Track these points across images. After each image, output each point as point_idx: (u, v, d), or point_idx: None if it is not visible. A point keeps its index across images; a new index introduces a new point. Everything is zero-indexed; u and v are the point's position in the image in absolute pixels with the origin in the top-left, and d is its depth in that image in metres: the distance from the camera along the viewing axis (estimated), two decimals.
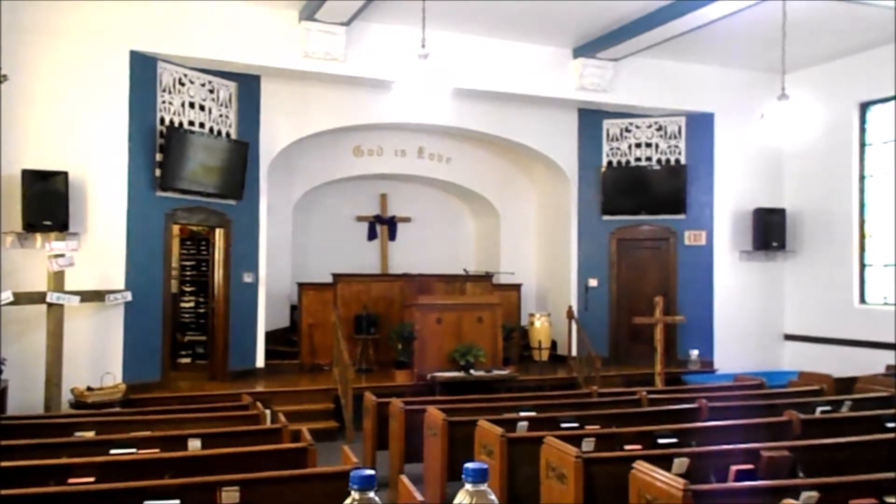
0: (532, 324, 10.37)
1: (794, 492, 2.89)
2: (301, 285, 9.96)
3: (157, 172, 7.95)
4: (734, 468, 3.48)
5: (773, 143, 10.23)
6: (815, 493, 2.89)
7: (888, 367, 7.74)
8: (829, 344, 9.50)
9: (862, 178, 9.50)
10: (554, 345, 10.48)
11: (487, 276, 10.73)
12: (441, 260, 11.41)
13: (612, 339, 10.45)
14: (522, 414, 5.06)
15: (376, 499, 1.12)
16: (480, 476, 1.13)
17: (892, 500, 2.88)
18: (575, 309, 10.10)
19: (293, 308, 10.53)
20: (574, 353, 9.71)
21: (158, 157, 7.97)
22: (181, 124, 8.26)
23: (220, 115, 8.72)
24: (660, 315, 8.31)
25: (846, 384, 6.41)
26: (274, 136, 9.20)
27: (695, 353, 9.96)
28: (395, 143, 11.10)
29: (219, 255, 8.79)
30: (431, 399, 6.37)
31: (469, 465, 1.14)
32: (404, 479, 2.78)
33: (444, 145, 11.38)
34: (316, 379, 8.87)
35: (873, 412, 4.98)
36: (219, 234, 8.78)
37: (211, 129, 8.59)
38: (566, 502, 3.63)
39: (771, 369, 9.43)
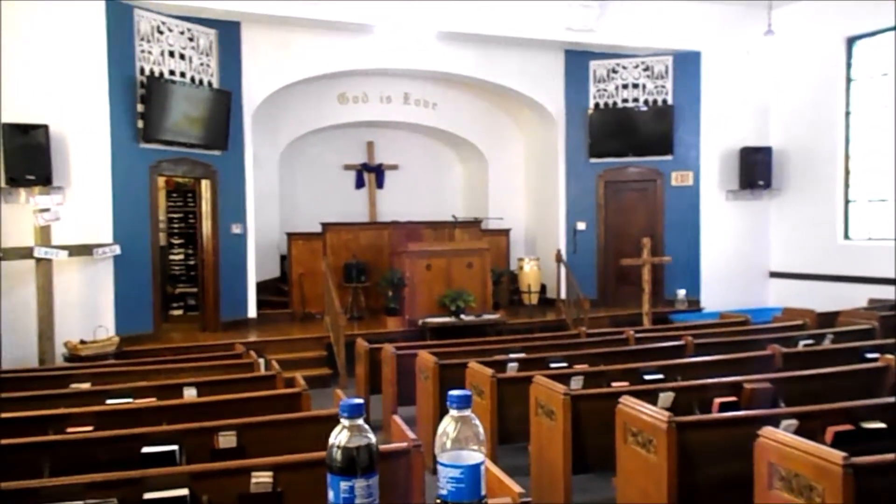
0: (521, 268, 10.45)
1: (775, 421, 2.98)
2: (290, 235, 9.95)
3: (140, 124, 7.83)
4: (717, 400, 3.58)
5: (760, 80, 10.20)
6: (794, 421, 2.99)
7: (870, 301, 7.90)
8: (813, 280, 9.66)
9: (847, 114, 9.49)
10: (543, 288, 10.59)
11: (476, 222, 10.75)
12: (429, 207, 11.41)
13: (601, 281, 10.57)
14: (512, 356, 5.15)
15: (366, 425, 1.15)
16: (465, 402, 1.17)
17: (868, 426, 3.00)
18: (563, 252, 10.18)
19: (283, 258, 10.55)
20: (563, 296, 9.83)
21: (140, 107, 7.84)
22: (161, 74, 8.09)
23: (201, 64, 8.55)
24: (647, 256, 8.39)
25: (829, 318, 6.54)
26: (256, 84, 9.05)
27: (681, 292, 10.11)
28: (379, 90, 10.95)
29: (206, 206, 8.74)
30: (422, 344, 6.46)
31: (453, 392, 1.18)
32: (396, 419, 2.85)
33: (430, 91, 11.23)
34: (308, 327, 8.96)
35: (854, 344, 5.11)
36: (205, 185, 8.71)
37: (192, 79, 8.43)
38: (555, 438, 3.74)
39: (756, 306, 9.60)
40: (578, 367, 4.64)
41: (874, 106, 9.13)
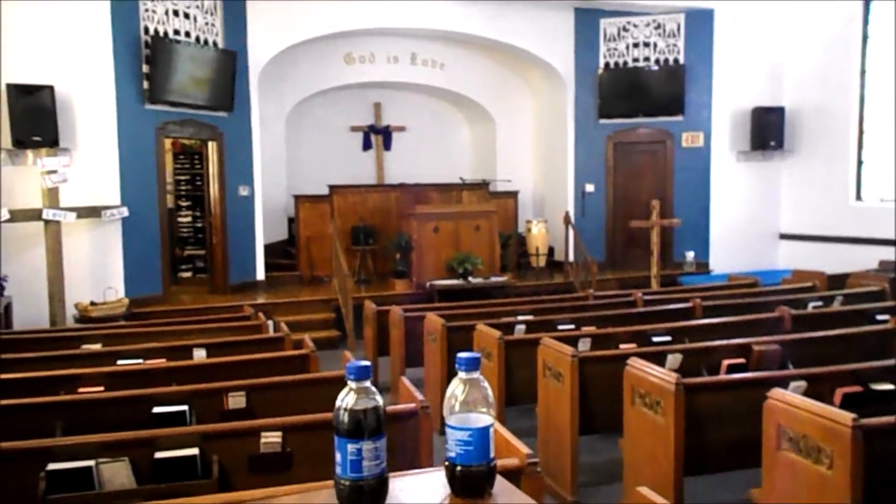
0: (529, 231, 10.40)
1: (784, 383, 2.98)
2: (297, 198, 9.92)
3: (145, 84, 7.75)
4: (726, 362, 3.58)
5: (774, 39, 9.97)
6: (803, 383, 2.99)
7: (881, 263, 7.84)
8: (824, 242, 9.57)
9: (863, 73, 9.30)
10: (551, 251, 10.56)
11: (484, 184, 10.67)
12: (437, 169, 11.32)
13: (609, 243, 10.52)
14: (520, 318, 5.15)
15: (373, 388, 1.14)
16: (473, 364, 1.16)
17: (877, 387, 2.99)
18: (571, 215, 10.11)
19: (290, 221, 10.54)
20: (571, 258, 9.80)
21: (145, 68, 7.74)
22: (166, 33, 7.98)
23: (206, 24, 8.42)
24: (655, 219, 8.32)
25: (839, 280, 6.50)
26: (262, 44, 8.93)
27: (690, 255, 10.05)
28: (386, 50, 10.78)
29: (213, 168, 8.71)
30: (430, 306, 6.47)
31: (462, 354, 1.16)
32: (404, 380, 2.86)
33: (438, 51, 11.05)
34: (316, 290, 8.99)
35: (864, 306, 5.08)
36: (211, 147, 8.66)
37: (197, 39, 8.31)
38: (562, 399, 3.75)
39: (766, 269, 9.55)
40: (586, 330, 4.64)
41: (890, 65, 8.92)
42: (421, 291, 8.25)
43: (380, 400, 1.13)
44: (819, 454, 2.34)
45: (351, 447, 1.09)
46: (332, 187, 9.87)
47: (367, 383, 1.13)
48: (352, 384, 1.13)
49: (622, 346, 4.18)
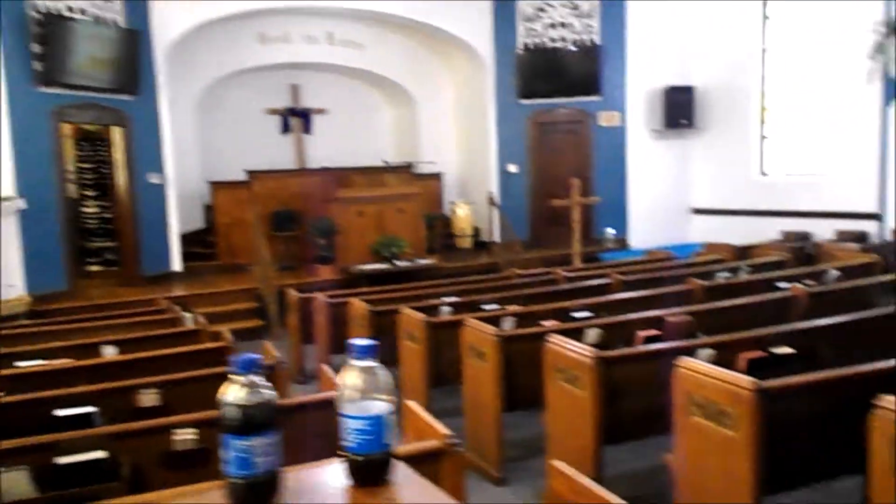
0: (454, 212, 10.44)
1: (693, 352, 3.09)
2: (214, 184, 9.59)
3: (37, 66, 7.26)
4: (641, 334, 3.68)
5: (683, 19, 10.26)
6: (711, 351, 3.11)
7: (782, 234, 8.27)
8: (732, 215, 10.01)
9: (763, 51, 9.71)
10: (476, 231, 10.63)
11: (407, 167, 10.61)
12: (360, 152, 11.16)
13: (532, 222, 10.66)
14: (445, 300, 5.16)
15: (263, 381, 1.09)
16: (367, 352, 1.12)
17: (779, 351, 3.15)
18: (495, 195, 10.19)
19: (207, 208, 10.19)
20: (496, 238, 9.89)
21: (37, 48, 7.25)
22: (58, 11, 7.48)
23: (105, 2, 7.95)
24: (576, 197, 8.48)
25: (745, 252, 6.81)
26: (168, 23, 8.53)
27: (610, 231, 10.31)
28: (302, 29, 10.51)
29: (119, 155, 8.30)
30: (355, 291, 6.39)
31: (356, 341, 1.12)
32: (325, 368, 2.82)
33: (356, 31, 10.85)
34: (237, 279, 8.74)
35: (767, 275, 5.34)
36: (117, 132, 8.25)
37: (95, 17, 7.85)
38: (486, 378, 3.79)
39: (680, 243, 9.90)
40: (510, 309, 4.68)
41: (789, 43, 9.37)
42: (346, 277, 8.15)
43: (271, 393, 1.08)
44: (724, 418, 2.44)
45: (240, 444, 1.04)
46: (250, 172, 9.59)
47: (257, 377, 1.08)
48: (239, 378, 1.07)
49: (544, 323, 4.24)
